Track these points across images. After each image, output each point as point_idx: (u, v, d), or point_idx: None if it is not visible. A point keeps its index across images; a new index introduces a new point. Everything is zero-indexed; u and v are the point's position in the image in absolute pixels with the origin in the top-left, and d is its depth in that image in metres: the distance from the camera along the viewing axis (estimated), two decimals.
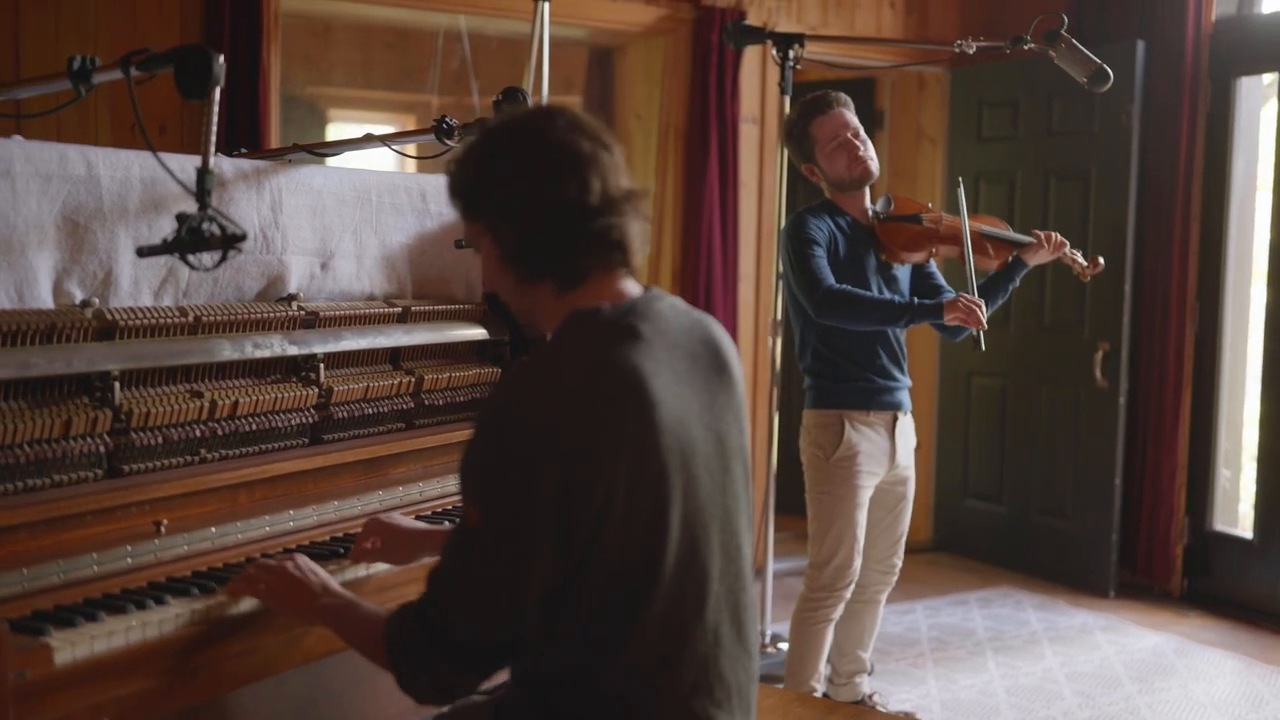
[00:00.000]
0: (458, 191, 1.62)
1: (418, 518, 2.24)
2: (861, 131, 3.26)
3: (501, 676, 1.70)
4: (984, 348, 3.18)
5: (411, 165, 4.97)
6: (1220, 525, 4.83)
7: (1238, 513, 4.94)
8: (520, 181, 1.54)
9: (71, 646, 1.52)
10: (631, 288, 1.61)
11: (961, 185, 3.37)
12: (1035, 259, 3.34)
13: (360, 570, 1.98)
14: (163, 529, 1.86)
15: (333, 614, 1.69)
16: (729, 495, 1.61)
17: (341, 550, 2.01)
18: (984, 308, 3.12)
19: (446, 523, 2.21)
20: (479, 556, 1.50)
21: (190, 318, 2.07)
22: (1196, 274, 4.78)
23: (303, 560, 1.79)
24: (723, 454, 1.60)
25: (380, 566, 2.00)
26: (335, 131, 6.22)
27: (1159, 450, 4.82)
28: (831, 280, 3.09)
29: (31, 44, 3.82)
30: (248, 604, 1.75)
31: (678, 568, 1.52)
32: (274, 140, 4.08)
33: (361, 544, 1.98)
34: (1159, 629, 4.46)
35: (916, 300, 3.13)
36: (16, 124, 3.28)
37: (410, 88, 6.04)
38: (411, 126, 6.35)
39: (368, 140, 2.57)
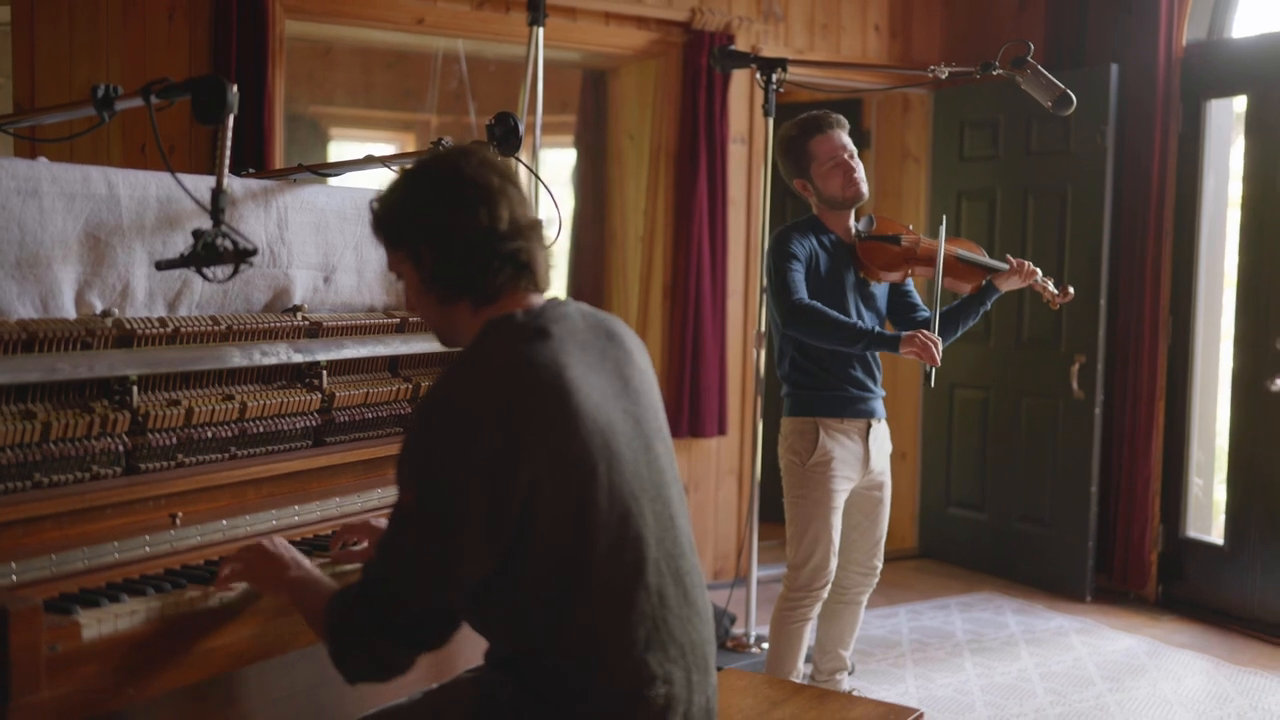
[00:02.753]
0: (382, 224, 1.83)
1: None
2: (855, 153, 3.41)
3: (476, 658, 1.86)
4: (933, 384, 3.34)
5: None
6: (1193, 532, 4.97)
7: (1210, 520, 5.09)
8: (439, 211, 1.76)
9: (97, 623, 1.67)
10: (539, 300, 1.81)
11: (945, 220, 3.51)
12: (1007, 285, 3.49)
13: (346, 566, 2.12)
14: (178, 521, 2.02)
15: (297, 586, 1.82)
16: (655, 470, 1.79)
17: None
18: (940, 345, 3.21)
19: None
20: (411, 534, 1.66)
21: (202, 327, 2.22)
22: (1169, 289, 4.93)
23: (279, 540, 1.92)
24: (642, 433, 1.78)
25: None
26: (337, 149, 6.38)
27: (1134, 459, 4.98)
28: (803, 294, 3.23)
29: (46, 67, 3.98)
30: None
31: (611, 537, 1.69)
32: (278, 159, 4.24)
33: (345, 540, 2.13)
34: (1133, 632, 4.61)
35: (876, 329, 3.26)
36: (32, 146, 3.45)
37: (409, 107, 6.20)
38: (410, 144, 6.52)
39: (369, 161, 2.72)
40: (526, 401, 1.65)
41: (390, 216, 1.82)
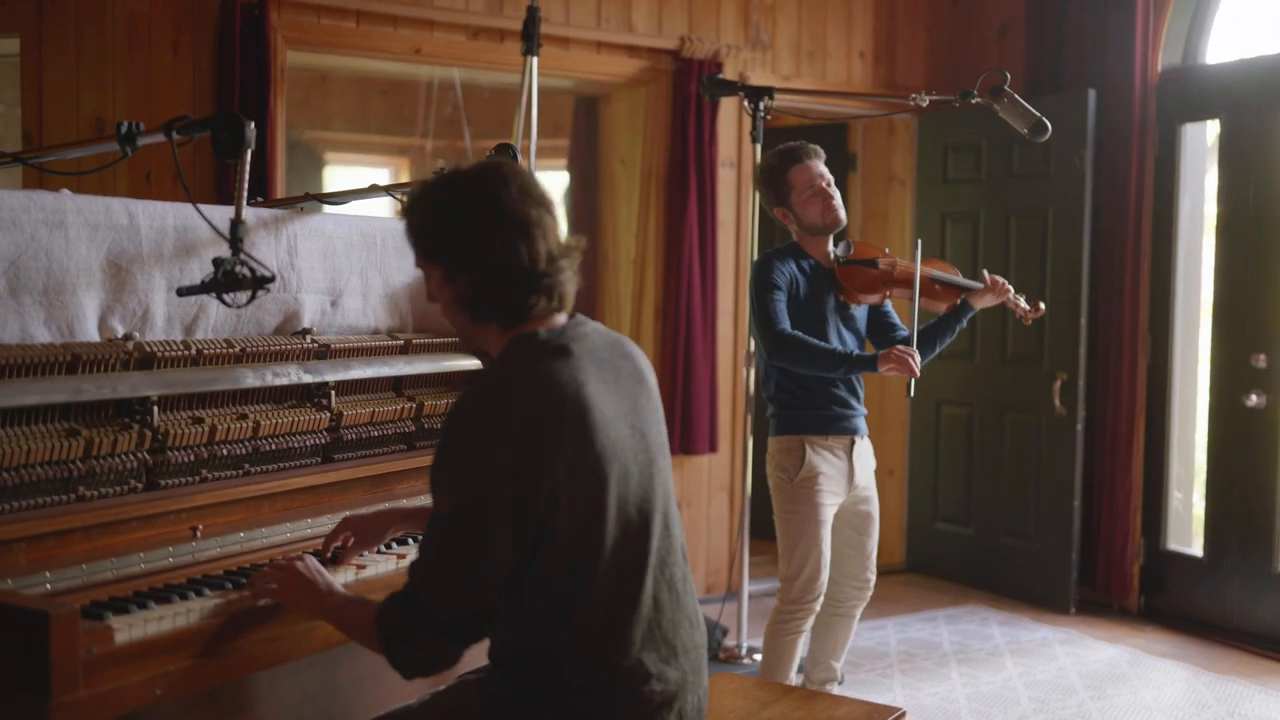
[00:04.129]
0: (416, 235, 1.88)
1: None
2: (833, 181, 3.54)
3: (479, 659, 1.98)
4: (913, 394, 3.47)
5: None
6: (1174, 544, 5.10)
7: (1190, 532, 5.21)
8: (477, 243, 1.82)
9: (128, 628, 1.78)
10: (561, 320, 1.91)
11: (920, 243, 3.64)
12: (981, 303, 3.62)
13: (350, 574, 2.23)
14: (198, 533, 2.13)
15: (335, 611, 1.95)
16: (656, 482, 1.91)
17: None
18: (918, 358, 3.35)
19: (404, 502, 2.51)
20: (450, 538, 1.78)
21: (218, 350, 2.34)
22: (1148, 307, 5.07)
23: (311, 562, 2.03)
24: (646, 448, 1.91)
25: (368, 572, 2.25)
26: (333, 174, 6.51)
27: (1115, 474, 5.10)
28: (786, 325, 3.36)
29: (54, 97, 4.10)
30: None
31: (616, 544, 1.81)
32: (280, 185, 4.36)
33: (333, 541, 2.24)
34: (1115, 642, 4.73)
35: (855, 352, 3.38)
36: (40, 177, 3.56)
37: (404, 132, 6.33)
38: (405, 168, 6.65)
39: (373, 190, 2.84)
40: (549, 415, 1.76)
41: (425, 230, 1.87)
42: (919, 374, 3.36)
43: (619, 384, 1.90)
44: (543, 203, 1.85)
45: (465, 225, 1.82)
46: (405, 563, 2.27)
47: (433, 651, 1.82)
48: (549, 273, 1.84)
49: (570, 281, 1.88)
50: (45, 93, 4.12)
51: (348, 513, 2.41)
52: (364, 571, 2.24)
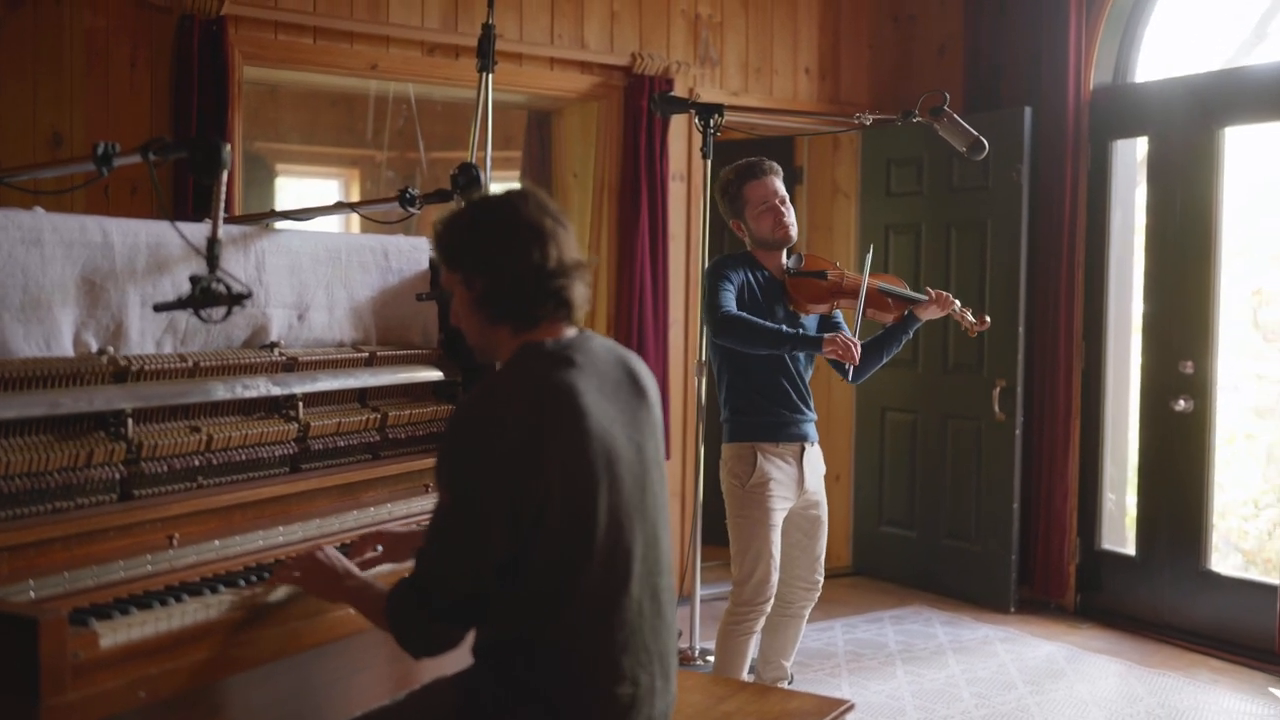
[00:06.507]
0: (443, 245, 2.04)
1: None
2: (787, 198, 3.68)
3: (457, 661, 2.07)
4: (850, 380, 3.61)
5: (357, 224, 5.30)
6: (1108, 544, 5.29)
7: (1123, 532, 5.41)
8: (497, 245, 1.97)
9: (112, 633, 1.85)
10: (570, 331, 2.04)
11: (871, 251, 3.78)
12: (927, 314, 3.76)
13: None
14: (174, 542, 2.20)
15: (353, 594, 2.08)
16: (649, 494, 2.01)
17: None
18: (859, 346, 3.50)
19: None
20: (449, 530, 1.90)
21: (189, 363, 2.41)
22: (1082, 316, 5.27)
23: (330, 550, 2.16)
24: (642, 460, 2.01)
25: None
26: (285, 185, 6.54)
27: (1052, 476, 5.29)
28: (731, 307, 3.50)
29: (11, 113, 4.11)
30: (253, 601, 2.09)
31: (605, 548, 1.91)
32: (238, 199, 4.40)
33: (363, 551, 2.34)
34: (1053, 639, 4.90)
35: (801, 331, 3.52)
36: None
37: (356, 144, 6.38)
38: (357, 180, 6.70)
39: (338, 208, 2.92)
40: (546, 420, 1.87)
41: (450, 241, 2.03)
42: (858, 361, 3.49)
43: (619, 396, 2.01)
44: (557, 219, 1.99)
45: (484, 231, 1.99)
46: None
47: (435, 634, 1.94)
48: (558, 275, 1.96)
49: (580, 294, 2.01)
50: (2, 109, 4.13)
51: (317, 520, 2.50)
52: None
